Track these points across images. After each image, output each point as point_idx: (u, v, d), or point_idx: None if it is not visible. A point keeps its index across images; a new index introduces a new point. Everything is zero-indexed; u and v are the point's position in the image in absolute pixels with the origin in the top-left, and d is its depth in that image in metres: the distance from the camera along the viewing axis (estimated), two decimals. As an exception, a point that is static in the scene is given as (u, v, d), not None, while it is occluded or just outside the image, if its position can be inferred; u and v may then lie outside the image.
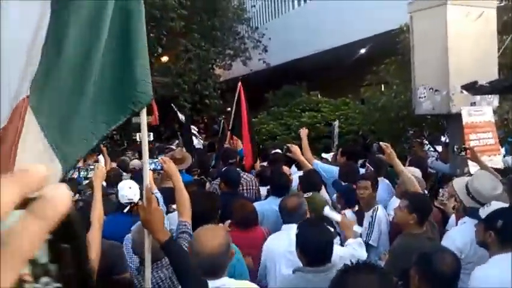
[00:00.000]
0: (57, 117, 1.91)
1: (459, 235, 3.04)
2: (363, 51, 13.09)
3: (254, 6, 17.38)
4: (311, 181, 4.16)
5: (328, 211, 3.38)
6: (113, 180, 4.94)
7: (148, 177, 2.21)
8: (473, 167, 4.55)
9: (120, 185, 4.10)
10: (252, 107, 15.36)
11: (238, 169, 5.27)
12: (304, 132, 5.49)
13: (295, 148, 4.84)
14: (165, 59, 13.98)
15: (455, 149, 4.47)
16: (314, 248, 2.52)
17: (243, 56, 14.45)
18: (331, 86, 13.18)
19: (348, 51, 12.93)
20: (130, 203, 3.84)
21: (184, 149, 6.92)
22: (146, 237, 2.31)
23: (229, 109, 8.54)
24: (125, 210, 3.79)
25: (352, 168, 5.13)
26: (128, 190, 3.96)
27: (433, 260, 2.20)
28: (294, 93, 13.07)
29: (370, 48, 12.26)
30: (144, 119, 2.17)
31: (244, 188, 5.00)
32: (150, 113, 8.91)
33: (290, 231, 3.09)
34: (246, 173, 5.39)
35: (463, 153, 4.35)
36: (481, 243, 2.71)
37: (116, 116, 2.03)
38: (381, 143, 4.27)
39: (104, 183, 5.21)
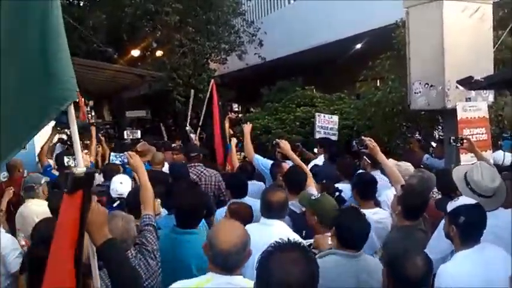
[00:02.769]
0: None
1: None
2: (358, 46, 13.06)
3: (250, 0, 17.30)
4: (296, 178, 4.07)
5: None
6: (109, 174, 4.94)
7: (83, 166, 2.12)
8: (464, 161, 4.57)
9: (113, 179, 4.12)
10: (247, 102, 15.43)
11: (201, 164, 5.42)
12: (247, 128, 5.51)
13: (284, 143, 4.76)
14: (159, 53, 13.88)
15: (451, 140, 4.46)
16: (354, 234, 2.60)
17: (238, 51, 14.38)
18: (327, 81, 13.14)
19: (344, 46, 12.89)
20: (121, 197, 3.86)
21: (146, 143, 6.96)
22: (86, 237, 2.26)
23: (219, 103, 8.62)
24: (114, 205, 3.80)
25: (349, 163, 5.14)
26: (119, 185, 3.98)
27: (403, 264, 2.19)
28: (289, 88, 13.01)
29: (366, 43, 12.23)
30: (72, 115, 2.02)
31: (203, 183, 5.17)
32: (77, 108, 8.82)
33: (272, 227, 3.10)
34: (208, 169, 5.46)
35: (459, 143, 4.35)
36: (446, 236, 2.76)
37: (42, 118, 1.93)
38: (363, 137, 4.23)
39: (102, 178, 5.25)
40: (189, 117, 8.94)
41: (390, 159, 4.45)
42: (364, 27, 11.44)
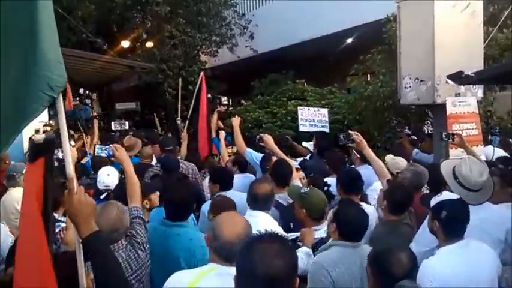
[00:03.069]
0: None
1: None
2: (349, 40, 13.06)
3: (241, -9, 17.20)
4: (282, 172, 4.13)
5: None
6: (97, 166, 4.92)
7: (71, 166, 2.06)
8: (453, 156, 4.60)
9: (100, 171, 4.11)
10: (238, 95, 15.38)
11: (178, 157, 5.56)
12: (236, 121, 5.56)
13: (267, 137, 4.84)
14: (149, 44, 13.76)
15: (443, 135, 4.47)
16: (355, 227, 2.66)
17: (230, 43, 14.30)
18: (318, 75, 13.13)
19: (335, 40, 12.87)
20: (107, 189, 3.85)
21: (132, 137, 6.93)
22: (71, 229, 2.25)
23: (209, 96, 8.58)
24: (102, 197, 3.80)
25: (338, 157, 5.15)
26: (106, 177, 3.98)
27: (387, 260, 2.21)
28: (280, 81, 13.00)
29: (357, 37, 12.24)
30: (60, 103, 2.01)
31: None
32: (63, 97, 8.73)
33: (257, 218, 3.17)
34: (185, 161, 5.58)
35: (450, 139, 4.36)
36: (430, 231, 2.78)
37: (34, 106, 1.89)
38: (350, 131, 4.24)
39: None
40: (179, 110, 8.88)
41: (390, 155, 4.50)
42: (356, 21, 11.43)
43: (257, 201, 3.30)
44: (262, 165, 4.83)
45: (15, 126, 1.92)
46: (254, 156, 5.06)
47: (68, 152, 2.03)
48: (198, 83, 7.32)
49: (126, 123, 9.42)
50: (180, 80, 9.47)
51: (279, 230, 3.21)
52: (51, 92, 1.90)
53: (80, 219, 1.98)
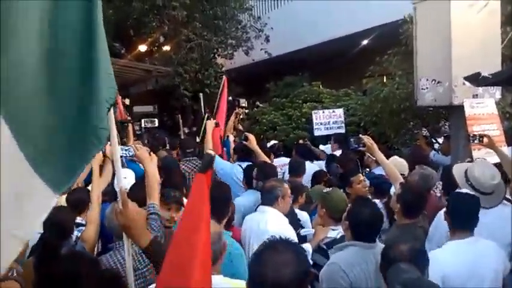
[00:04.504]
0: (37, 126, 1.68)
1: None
2: (365, 41, 13.00)
3: (256, -5, 17.25)
4: (266, 172, 4.23)
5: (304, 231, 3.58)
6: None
7: (122, 178, 2.09)
8: (477, 157, 4.53)
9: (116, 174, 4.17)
10: (253, 97, 15.41)
11: (195, 158, 5.62)
12: (210, 124, 5.45)
13: (251, 137, 5.00)
14: (166, 48, 13.90)
15: (470, 138, 4.38)
16: (368, 225, 2.68)
17: (245, 46, 14.36)
18: (333, 77, 13.10)
19: (351, 42, 12.84)
20: None
21: None
22: (125, 240, 2.23)
23: (230, 98, 8.60)
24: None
25: (350, 157, 5.16)
26: (123, 180, 4.01)
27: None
28: (296, 83, 13.00)
29: (374, 38, 12.18)
30: (111, 115, 1.99)
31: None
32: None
33: (266, 213, 3.35)
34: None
35: (479, 140, 4.24)
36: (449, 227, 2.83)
37: (101, 116, 1.81)
38: (361, 135, 4.22)
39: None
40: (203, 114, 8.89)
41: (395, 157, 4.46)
42: (372, 22, 11.38)
43: (263, 196, 3.50)
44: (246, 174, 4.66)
45: (75, 165, 1.80)
46: (220, 164, 4.95)
47: (119, 164, 2.09)
48: (221, 86, 7.34)
49: (156, 120, 9.56)
50: (201, 95, 9.49)
51: (287, 226, 3.28)
52: (107, 104, 1.85)
53: (136, 231, 2.07)
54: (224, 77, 7.59)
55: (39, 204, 1.71)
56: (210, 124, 5.48)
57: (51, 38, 1.75)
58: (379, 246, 2.68)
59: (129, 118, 7.91)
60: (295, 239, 3.02)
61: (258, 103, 14.08)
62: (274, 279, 1.51)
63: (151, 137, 9.33)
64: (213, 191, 3.18)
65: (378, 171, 4.43)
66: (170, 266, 1.77)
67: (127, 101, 7.84)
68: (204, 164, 1.83)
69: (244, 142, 5.08)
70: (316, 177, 4.99)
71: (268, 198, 3.43)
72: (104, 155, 4.03)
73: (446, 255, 2.60)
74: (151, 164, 3.08)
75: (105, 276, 2.14)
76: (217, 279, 2.07)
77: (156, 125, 9.28)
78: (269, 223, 3.23)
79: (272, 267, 1.53)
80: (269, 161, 4.84)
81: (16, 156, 1.62)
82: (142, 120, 9.51)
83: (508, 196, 3.53)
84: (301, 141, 7.64)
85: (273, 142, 8.00)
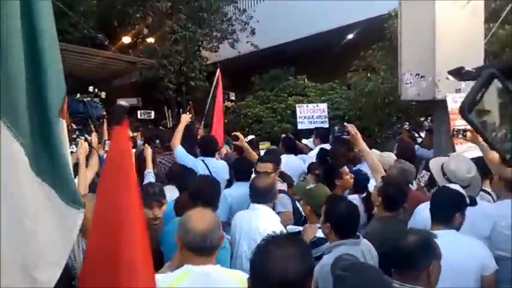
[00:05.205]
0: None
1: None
2: (350, 36, 13.05)
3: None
4: (241, 169, 4.29)
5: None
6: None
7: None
8: (460, 151, 4.59)
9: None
10: (239, 90, 15.40)
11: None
12: (185, 117, 5.43)
13: (241, 136, 5.07)
14: (150, 40, 13.76)
15: (454, 132, 4.43)
16: (349, 221, 2.65)
17: (231, 39, 14.30)
18: (319, 71, 13.14)
19: (336, 36, 12.88)
20: None
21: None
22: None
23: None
24: None
25: (341, 153, 5.18)
26: None
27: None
28: (281, 77, 13.01)
29: (358, 33, 12.24)
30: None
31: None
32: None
33: (259, 211, 3.30)
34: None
35: (462, 135, 4.28)
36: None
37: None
38: (345, 123, 4.19)
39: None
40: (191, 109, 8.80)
41: (373, 150, 4.48)
42: (357, 17, 11.44)
43: (258, 195, 3.39)
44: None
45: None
46: (180, 155, 4.79)
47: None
48: (215, 79, 7.25)
49: (152, 112, 9.49)
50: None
51: (279, 224, 3.27)
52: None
53: None
54: (218, 71, 7.39)
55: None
56: (185, 118, 5.39)
57: None
58: (363, 242, 2.69)
59: (104, 113, 7.79)
60: None
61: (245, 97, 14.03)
62: (280, 274, 1.49)
63: (145, 130, 9.25)
64: (207, 186, 3.24)
65: (363, 167, 4.46)
66: (98, 224, 1.81)
67: (103, 94, 7.66)
68: (117, 115, 1.85)
69: (234, 142, 5.06)
70: (311, 169, 4.99)
71: (264, 197, 3.38)
72: (90, 146, 3.97)
73: None
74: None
75: None
76: (212, 269, 2.09)
77: (152, 117, 9.22)
78: (261, 221, 3.19)
79: (278, 262, 1.51)
80: (253, 155, 4.83)
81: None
82: (139, 112, 9.47)
83: (487, 189, 3.61)
84: (283, 135, 7.64)
85: (251, 137, 7.98)
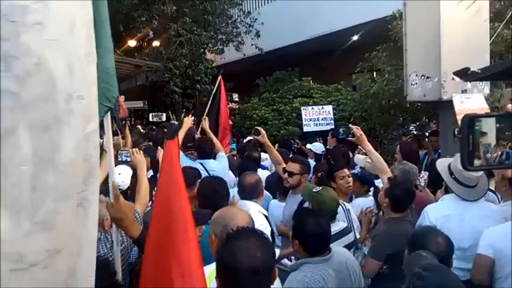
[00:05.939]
0: None
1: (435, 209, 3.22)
2: (355, 37, 13.04)
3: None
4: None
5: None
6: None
7: (114, 172, 2.17)
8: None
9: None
10: (244, 92, 15.44)
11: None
12: (188, 120, 5.27)
13: (263, 132, 4.83)
14: (156, 43, 13.82)
15: (455, 132, 4.42)
16: (318, 237, 2.48)
17: (236, 41, 14.33)
18: (324, 72, 13.14)
19: (341, 38, 12.87)
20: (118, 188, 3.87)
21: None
22: (114, 231, 2.32)
23: None
24: None
25: (341, 151, 5.19)
26: (117, 176, 3.98)
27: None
28: (286, 79, 13.01)
29: (363, 34, 12.22)
30: (108, 115, 2.06)
31: None
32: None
33: (247, 207, 3.30)
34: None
35: None
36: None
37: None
38: (350, 125, 4.18)
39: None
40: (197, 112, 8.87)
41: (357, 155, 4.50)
42: (361, 18, 11.42)
43: (245, 191, 3.52)
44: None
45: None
46: (183, 160, 4.59)
47: (112, 160, 2.16)
48: (217, 84, 7.27)
49: (164, 115, 9.58)
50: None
51: (266, 222, 3.27)
52: (107, 103, 1.90)
53: (127, 222, 2.13)
54: (220, 76, 7.42)
55: None
56: (187, 121, 5.31)
57: None
58: (337, 258, 2.49)
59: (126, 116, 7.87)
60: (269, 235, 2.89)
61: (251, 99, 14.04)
62: (250, 263, 1.60)
63: (161, 133, 9.31)
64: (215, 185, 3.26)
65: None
66: (155, 229, 1.86)
67: (122, 98, 7.73)
68: (171, 132, 2.01)
69: (255, 137, 4.98)
70: (317, 169, 4.97)
71: (249, 194, 3.48)
72: (102, 149, 3.98)
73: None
74: (144, 169, 3.20)
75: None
76: None
77: (164, 119, 9.31)
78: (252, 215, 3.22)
79: (244, 253, 1.62)
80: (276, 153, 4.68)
81: None
82: (150, 115, 9.61)
83: (493, 189, 3.61)
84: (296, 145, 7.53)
85: (249, 138, 7.98)
